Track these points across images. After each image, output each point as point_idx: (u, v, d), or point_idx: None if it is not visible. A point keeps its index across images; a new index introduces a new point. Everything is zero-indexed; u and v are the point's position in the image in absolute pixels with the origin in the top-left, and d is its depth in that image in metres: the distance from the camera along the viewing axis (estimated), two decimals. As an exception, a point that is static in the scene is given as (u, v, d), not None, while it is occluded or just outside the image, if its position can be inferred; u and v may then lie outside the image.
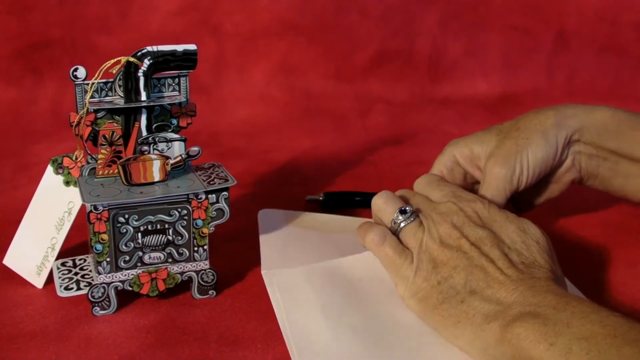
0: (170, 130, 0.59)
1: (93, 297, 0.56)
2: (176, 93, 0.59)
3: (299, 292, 0.57)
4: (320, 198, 0.77)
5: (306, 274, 0.59)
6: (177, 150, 0.58)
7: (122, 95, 0.56)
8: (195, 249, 0.58)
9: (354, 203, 0.77)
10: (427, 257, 0.53)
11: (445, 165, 0.68)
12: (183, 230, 0.57)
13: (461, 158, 0.68)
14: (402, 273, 0.54)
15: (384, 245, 0.55)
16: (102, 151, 0.57)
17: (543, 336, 0.44)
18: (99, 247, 0.55)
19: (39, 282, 0.60)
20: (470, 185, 0.70)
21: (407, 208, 0.56)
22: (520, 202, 0.71)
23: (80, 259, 0.63)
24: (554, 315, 0.45)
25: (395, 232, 0.56)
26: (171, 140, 0.58)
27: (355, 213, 0.76)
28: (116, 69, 0.55)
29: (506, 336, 0.46)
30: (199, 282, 0.58)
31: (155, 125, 0.58)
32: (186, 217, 0.57)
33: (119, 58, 0.55)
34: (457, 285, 0.50)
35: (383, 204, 0.57)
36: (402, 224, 0.55)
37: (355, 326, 0.53)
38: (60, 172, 0.59)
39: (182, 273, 0.58)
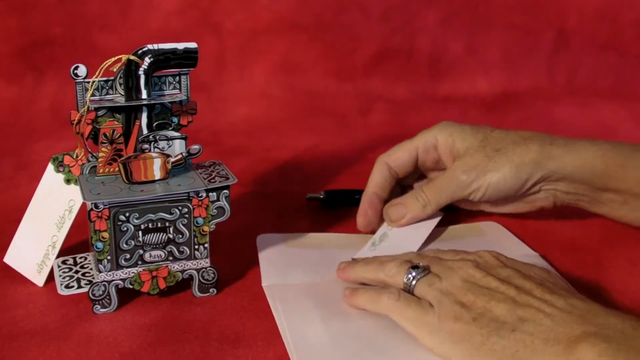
0: (170, 129, 0.59)
1: (94, 295, 0.56)
2: (177, 91, 0.59)
3: (299, 303, 0.57)
4: (321, 196, 0.77)
5: (307, 287, 0.60)
6: (177, 148, 0.58)
7: (123, 94, 0.56)
8: (196, 247, 0.58)
9: (355, 201, 0.77)
10: (451, 299, 0.50)
11: (425, 144, 0.70)
12: (184, 229, 0.57)
13: (442, 144, 0.69)
14: (424, 320, 0.51)
15: (399, 300, 0.52)
16: (103, 149, 0.57)
17: None
18: (100, 245, 0.55)
19: (39, 280, 0.60)
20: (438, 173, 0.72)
21: (420, 264, 0.54)
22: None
23: (81, 257, 0.63)
24: (625, 341, 0.43)
25: (409, 290, 0.54)
26: (172, 139, 0.58)
27: (355, 211, 0.76)
28: (117, 67, 0.55)
29: (571, 358, 0.44)
30: (199, 280, 0.58)
31: (155, 123, 0.58)
32: (187, 215, 0.57)
33: (120, 56, 0.55)
34: (500, 317, 0.48)
35: (395, 268, 0.55)
36: (416, 280, 0.53)
37: (356, 333, 0.53)
38: (61, 170, 0.59)
39: (182, 271, 0.58)
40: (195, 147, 0.58)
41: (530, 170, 0.65)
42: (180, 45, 0.57)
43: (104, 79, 0.56)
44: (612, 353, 0.43)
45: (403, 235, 0.68)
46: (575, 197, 0.67)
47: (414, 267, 0.54)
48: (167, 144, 0.58)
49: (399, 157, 0.71)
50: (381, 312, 0.54)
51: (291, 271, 0.63)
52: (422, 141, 0.70)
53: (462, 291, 0.51)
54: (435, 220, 0.69)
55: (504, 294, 0.50)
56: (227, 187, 0.57)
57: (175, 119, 0.59)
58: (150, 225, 0.56)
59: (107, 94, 0.56)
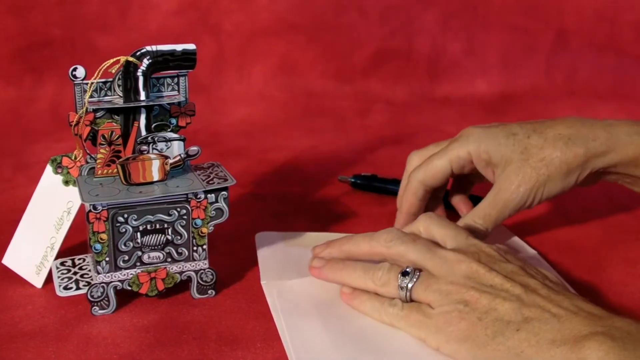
0: (169, 130, 0.59)
1: (92, 296, 0.56)
2: (175, 92, 0.58)
3: (298, 302, 0.57)
4: (351, 180, 0.82)
5: (306, 286, 0.59)
6: (176, 149, 0.58)
7: (121, 95, 0.56)
8: (195, 248, 0.58)
9: (384, 190, 0.81)
10: (451, 299, 0.50)
11: (458, 161, 0.66)
12: (182, 230, 0.57)
13: (478, 160, 0.66)
14: (428, 323, 0.51)
15: (403, 309, 0.52)
16: (101, 151, 0.57)
17: None
18: (98, 246, 0.55)
19: (38, 281, 0.60)
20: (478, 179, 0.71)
21: (408, 268, 0.53)
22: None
23: (79, 259, 0.63)
24: (631, 341, 0.43)
25: (406, 298, 0.53)
26: (170, 140, 0.58)
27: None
28: (115, 69, 0.55)
29: (579, 356, 0.44)
30: (198, 282, 0.58)
31: (154, 124, 0.58)
32: (185, 217, 0.57)
33: (118, 58, 0.55)
34: (505, 316, 0.48)
35: (385, 275, 0.54)
36: (410, 285, 0.52)
37: (355, 334, 0.53)
38: (60, 171, 0.59)
39: (181, 273, 0.58)
40: (193, 149, 0.58)
41: (579, 172, 0.64)
42: (179, 47, 0.57)
43: (103, 80, 0.56)
44: (618, 352, 0.43)
45: None
46: (618, 177, 0.66)
47: (404, 273, 0.53)
48: (166, 146, 0.58)
49: (433, 175, 0.67)
50: (385, 322, 0.53)
51: (290, 270, 0.62)
52: (455, 157, 0.66)
53: (464, 288, 0.50)
54: None
55: (509, 292, 0.49)
56: (225, 189, 0.57)
57: (173, 121, 0.59)
58: (148, 227, 0.56)
59: (106, 95, 0.56)
